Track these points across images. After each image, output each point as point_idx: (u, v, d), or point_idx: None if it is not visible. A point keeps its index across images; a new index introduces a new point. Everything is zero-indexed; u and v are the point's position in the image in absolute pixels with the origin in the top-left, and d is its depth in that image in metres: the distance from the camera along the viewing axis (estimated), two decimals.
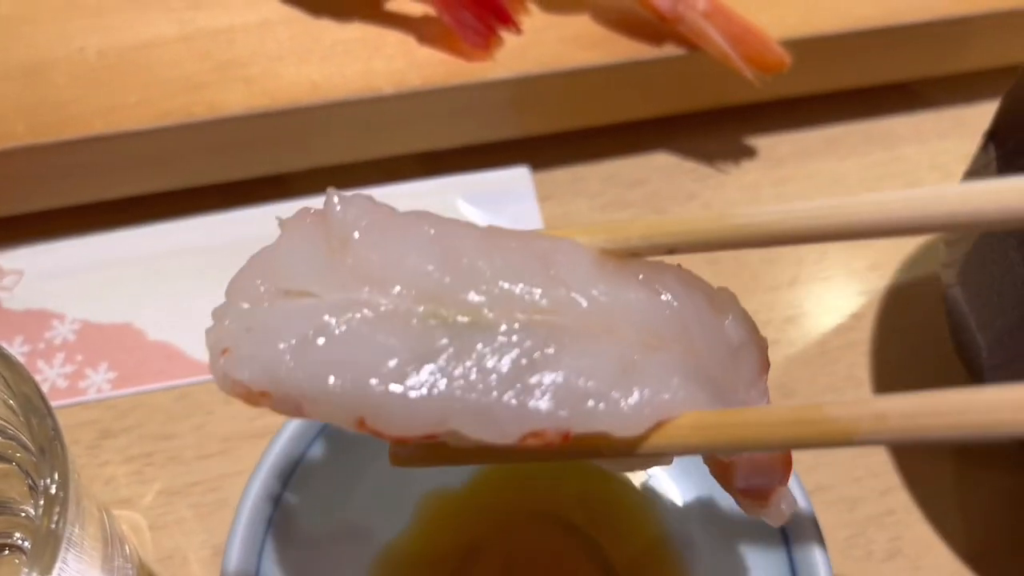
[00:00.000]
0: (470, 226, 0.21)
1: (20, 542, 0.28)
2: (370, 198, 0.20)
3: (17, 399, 0.20)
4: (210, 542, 0.33)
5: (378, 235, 0.20)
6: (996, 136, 0.30)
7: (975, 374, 0.32)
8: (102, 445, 0.34)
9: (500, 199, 0.40)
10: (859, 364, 0.38)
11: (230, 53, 0.36)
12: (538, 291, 0.20)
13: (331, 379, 0.18)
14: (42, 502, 0.21)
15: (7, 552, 0.29)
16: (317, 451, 0.31)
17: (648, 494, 0.32)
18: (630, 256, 0.21)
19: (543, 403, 0.18)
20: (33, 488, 0.25)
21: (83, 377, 0.35)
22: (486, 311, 0.19)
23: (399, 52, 0.36)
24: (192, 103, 0.35)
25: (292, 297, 0.19)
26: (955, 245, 0.32)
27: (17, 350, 0.36)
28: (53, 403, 0.22)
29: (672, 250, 0.20)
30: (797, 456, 0.26)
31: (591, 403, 0.19)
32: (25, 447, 0.24)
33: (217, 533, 0.33)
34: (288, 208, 0.39)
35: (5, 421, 0.24)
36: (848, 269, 0.40)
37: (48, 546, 0.20)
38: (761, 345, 0.22)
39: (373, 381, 0.18)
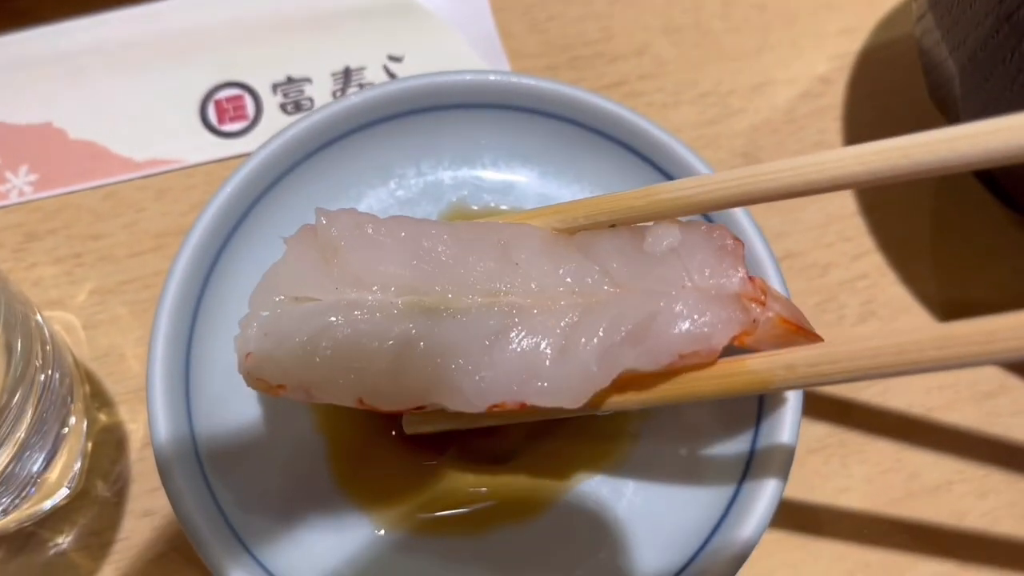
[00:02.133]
0: (438, 224, 0.24)
1: None
2: (353, 212, 0.24)
3: None
4: (146, 338, 0.31)
5: (360, 244, 0.23)
6: None
7: (951, 112, 0.30)
8: (28, 248, 0.32)
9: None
10: (830, 129, 0.35)
11: None
12: (497, 276, 0.23)
13: (332, 370, 0.22)
14: None
15: None
16: (238, 243, 0.29)
17: None
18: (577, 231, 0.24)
19: (500, 383, 0.22)
20: None
21: (3, 181, 0.33)
22: (453, 297, 0.23)
23: None
24: None
25: (300, 302, 0.23)
26: None
27: None
28: None
29: (613, 224, 0.24)
30: (765, 222, 0.28)
31: (538, 384, 0.22)
32: None
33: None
34: None
35: None
36: (818, 33, 0.37)
37: None
38: (697, 235, 0.24)
39: (366, 369, 0.22)
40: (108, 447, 0.30)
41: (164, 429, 0.25)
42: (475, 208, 0.31)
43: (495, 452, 0.28)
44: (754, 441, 0.26)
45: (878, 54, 0.37)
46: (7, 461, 0.25)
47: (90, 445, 0.30)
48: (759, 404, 0.26)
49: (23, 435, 0.25)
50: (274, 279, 0.23)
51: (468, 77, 0.30)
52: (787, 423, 0.25)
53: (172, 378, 0.26)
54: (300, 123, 0.29)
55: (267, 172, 0.29)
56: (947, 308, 0.33)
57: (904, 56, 0.37)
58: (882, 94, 0.36)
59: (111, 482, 0.29)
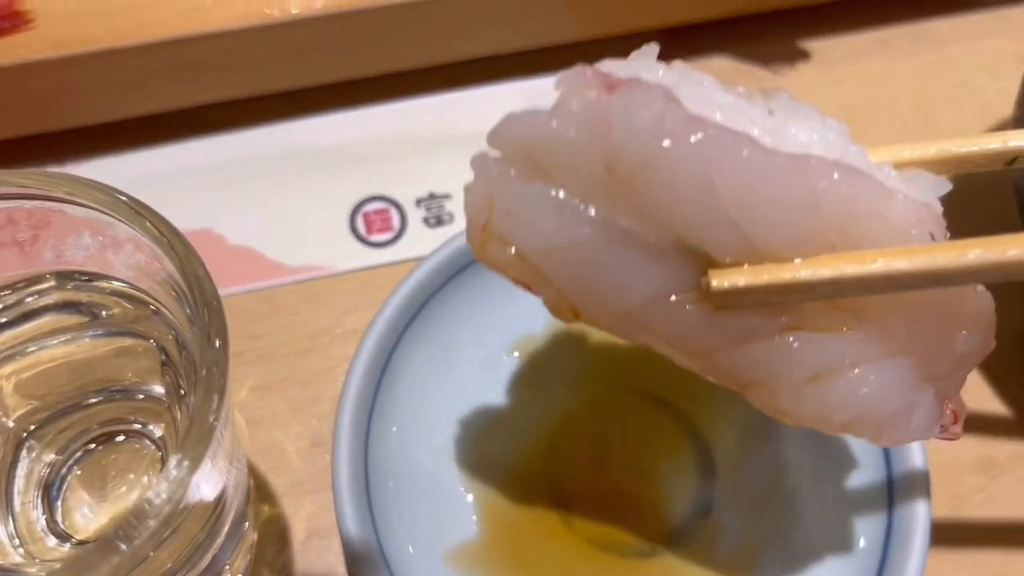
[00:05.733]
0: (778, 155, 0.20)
1: (135, 426, 0.29)
2: (666, 96, 0.19)
3: (187, 273, 0.21)
4: (305, 434, 0.34)
5: (665, 169, 0.19)
6: None
7: None
8: None
9: None
10: None
11: None
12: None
13: (570, 286, 0.21)
14: (203, 372, 0.21)
15: (121, 439, 0.29)
16: (407, 346, 0.32)
17: None
18: None
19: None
20: (167, 364, 0.26)
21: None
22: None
23: None
24: (266, 5, 0.35)
25: (553, 186, 0.20)
26: None
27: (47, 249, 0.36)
28: None
29: None
30: None
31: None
32: (169, 324, 0.25)
33: (311, 425, 0.34)
34: (354, 117, 0.40)
35: (154, 298, 0.24)
36: None
37: (202, 428, 0.21)
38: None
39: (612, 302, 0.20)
40: (272, 538, 0.32)
41: (352, 524, 0.27)
42: None
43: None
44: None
45: (963, 185, 0.40)
46: (214, 554, 0.27)
47: (255, 536, 0.31)
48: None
49: (228, 527, 0.27)
50: (530, 130, 0.20)
51: None
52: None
53: (356, 478, 0.28)
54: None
55: (436, 277, 0.32)
56: None
57: (990, 186, 0.40)
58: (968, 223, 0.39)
59: (276, 571, 0.31)
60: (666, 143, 0.19)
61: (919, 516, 0.28)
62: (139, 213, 0.22)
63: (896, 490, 0.29)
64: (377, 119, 0.39)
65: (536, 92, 0.40)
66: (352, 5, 0.35)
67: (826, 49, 0.44)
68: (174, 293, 0.23)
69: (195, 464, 0.21)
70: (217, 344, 0.21)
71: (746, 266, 0.20)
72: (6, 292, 0.24)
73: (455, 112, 0.40)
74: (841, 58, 0.44)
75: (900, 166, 0.22)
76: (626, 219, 0.20)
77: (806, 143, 0.21)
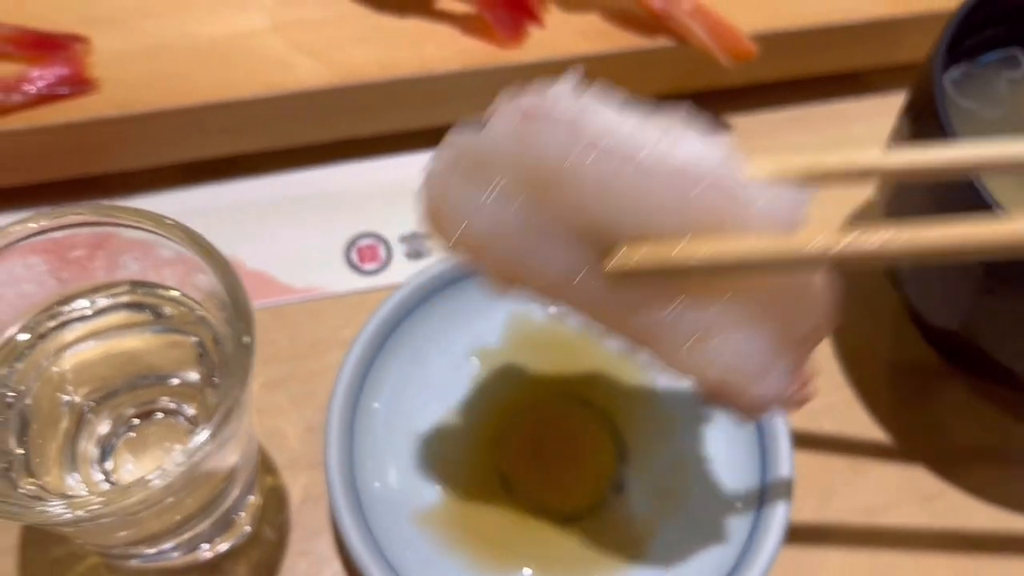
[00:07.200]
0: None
1: (172, 405, 0.37)
2: (568, 127, 0.26)
3: (228, 284, 0.29)
4: (303, 421, 0.41)
5: (568, 183, 0.26)
6: (910, 112, 0.40)
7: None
8: None
9: None
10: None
11: (315, 40, 0.45)
12: None
13: (503, 262, 0.28)
14: (234, 362, 0.29)
15: (160, 416, 0.37)
16: (388, 349, 0.40)
17: (650, 383, 0.41)
18: None
19: None
20: (203, 356, 0.34)
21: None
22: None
23: (447, 41, 0.46)
24: (285, 79, 0.44)
25: (487, 186, 0.27)
26: None
27: (127, 265, 0.44)
28: None
29: None
30: None
31: None
32: (208, 325, 0.33)
33: (307, 415, 0.42)
34: (352, 168, 0.48)
35: (199, 303, 0.33)
36: None
37: (230, 401, 0.28)
38: None
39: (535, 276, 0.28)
40: (274, 502, 0.40)
41: (339, 484, 0.35)
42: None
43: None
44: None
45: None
46: (228, 506, 0.35)
47: (260, 500, 0.39)
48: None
49: (240, 487, 0.35)
50: (471, 151, 0.27)
51: None
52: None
53: (342, 450, 0.37)
54: (437, 266, 0.40)
55: (413, 297, 0.40)
56: None
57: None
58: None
59: (276, 528, 0.39)
60: (567, 164, 0.26)
61: (778, 514, 0.36)
62: (195, 240, 0.30)
63: (767, 488, 0.37)
64: (371, 170, 0.48)
65: None
66: (352, 80, 0.44)
67: (746, 123, 0.53)
68: (215, 300, 0.31)
69: (221, 429, 0.28)
70: (246, 340, 0.29)
71: (637, 251, 0.26)
72: (92, 294, 0.33)
73: None
74: (758, 131, 0.53)
75: (776, 175, 0.27)
76: (544, 213, 0.26)
77: (692, 155, 0.26)
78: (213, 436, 0.28)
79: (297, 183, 0.47)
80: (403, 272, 0.45)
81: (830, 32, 0.49)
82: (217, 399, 0.28)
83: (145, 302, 0.34)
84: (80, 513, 0.26)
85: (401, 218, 0.47)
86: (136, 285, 0.33)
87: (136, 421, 0.37)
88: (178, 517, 0.33)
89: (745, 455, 0.38)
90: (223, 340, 0.32)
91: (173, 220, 0.31)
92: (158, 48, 0.44)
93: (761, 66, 0.48)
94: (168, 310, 0.33)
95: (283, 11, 0.46)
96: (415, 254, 0.46)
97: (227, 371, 0.29)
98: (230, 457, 0.32)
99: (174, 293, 0.33)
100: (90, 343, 0.35)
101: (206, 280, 0.31)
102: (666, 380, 0.41)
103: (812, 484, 0.41)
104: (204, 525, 0.34)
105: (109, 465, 0.36)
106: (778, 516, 0.36)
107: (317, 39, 0.45)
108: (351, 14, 0.47)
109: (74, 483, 0.34)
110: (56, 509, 0.27)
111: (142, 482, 0.27)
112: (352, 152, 0.48)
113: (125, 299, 0.33)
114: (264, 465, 0.40)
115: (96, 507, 0.27)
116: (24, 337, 0.33)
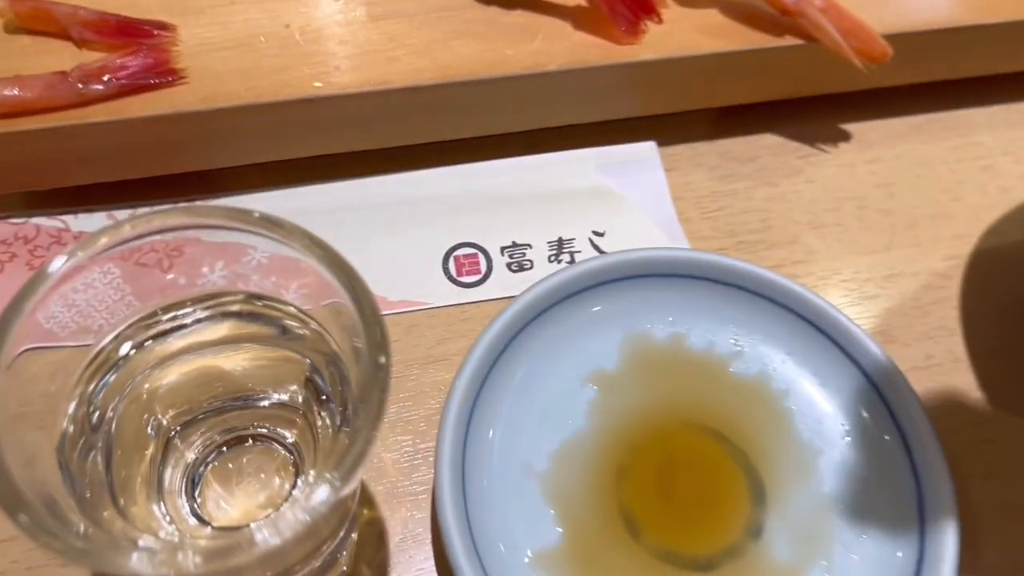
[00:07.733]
0: None
1: (263, 431, 0.33)
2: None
3: (353, 291, 0.25)
4: (401, 448, 0.38)
5: None
6: None
7: None
8: None
9: (631, 170, 0.46)
10: (950, 316, 0.43)
11: (414, 33, 0.42)
12: None
13: None
14: (369, 394, 0.24)
15: (250, 443, 0.34)
16: (500, 367, 0.36)
17: (787, 414, 0.37)
18: None
19: None
20: (312, 376, 0.30)
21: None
22: None
23: (557, 35, 0.42)
24: (388, 73, 0.40)
25: None
26: None
27: (219, 272, 0.40)
28: None
29: None
30: None
31: None
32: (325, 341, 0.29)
33: (406, 441, 0.38)
34: (450, 173, 0.45)
35: (313, 318, 0.29)
36: (936, 236, 0.46)
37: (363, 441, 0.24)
38: None
39: None
40: (372, 538, 0.36)
41: (454, 526, 0.32)
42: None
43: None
44: None
45: (987, 256, 0.45)
46: (331, 550, 0.31)
47: (355, 535, 0.36)
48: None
49: (346, 527, 0.32)
50: None
51: (690, 254, 0.38)
52: None
53: (455, 472, 0.33)
54: (555, 276, 0.37)
55: (526, 313, 0.36)
56: None
57: (1010, 259, 0.45)
58: (994, 289, 0.44)
59: (374, 568, 0.35)
60: None
61: (948, 552, 0.32)
62: (316, 244, 0.27)
63: (927, 528, 0.33)
64: (470, 176, 0.44)
65: (605, 158, 0.45)
66: (454, 77, 0.41)
67: (864, 131, 0.49)
68: (339, 315, 0.27)
69: (347, 479, 0.23)
70: (382, 360, 0.25)
71: None
72: (208, 301, 0.29)
73: (536, 173, 0.45)
74: (877, 139, 0.49)
75: None
76: None
77: None
78: (344, 482, 0.23)
79: (391, 188, 0.43)
80: (505, 285, 0.41)
81: (975, 31, 0.45)
82: (348, 438, 0.24)
83: (257, 312, 0.30)
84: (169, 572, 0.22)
85: (502, 228, 0.43)
86: (251, 297, 0.30)
87: (224, 449, 0.33)
88: (281, 568, 0.29)
89: (898, 497, 0.34)
90: (340, 360, 0.28)
91: (293, 224, 0.27)
92: (248, 38, 0.40)
93: (888, 70, 0.44)
94: (279, 323, 0.30)
95: (381, 2, 0.43)
96: (517, 267, 0.42)
97: (359, 400, 0.25)
98: (350, 499, 0.28)
99: (291, 308, 0.29)
100: (187, 357, 0.31)
101: (328, 291, 0.27)
102: (804, 413, 0.37)
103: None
104: (305, 571, 0.31)
105: (196, 496, 0.32)
106: (948, 553, 0.32)
107: (417, 33, 0.42)
108: (453, 5, 0.43)
109: (160, 515, 0.31)
110: (140, 566, 0.22)
111: (248, 540, 0.22)
112: (450, 156, 0.44)
113: (235, 308, 0.30)
114: (360, 496, 0.37)
115: (191, 569, 0.22)
116: (123, 348, 0.29)
